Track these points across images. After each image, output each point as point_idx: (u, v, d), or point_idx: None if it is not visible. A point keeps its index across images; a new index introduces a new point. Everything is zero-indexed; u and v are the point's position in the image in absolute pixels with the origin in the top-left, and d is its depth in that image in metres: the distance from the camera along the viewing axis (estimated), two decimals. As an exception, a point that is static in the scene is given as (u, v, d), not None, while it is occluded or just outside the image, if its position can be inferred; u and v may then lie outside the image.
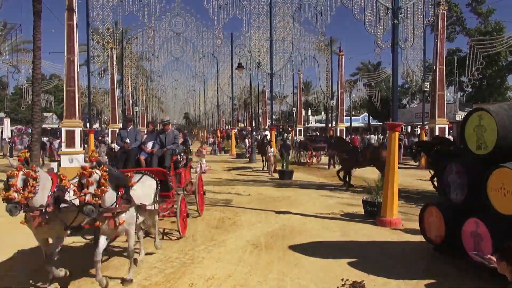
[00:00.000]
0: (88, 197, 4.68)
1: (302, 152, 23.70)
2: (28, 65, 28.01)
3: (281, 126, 26.10)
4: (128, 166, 7.80)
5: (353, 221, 9.32)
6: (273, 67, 19.32)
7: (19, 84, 36.22)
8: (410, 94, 54.21)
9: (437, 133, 20.00)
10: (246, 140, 28.39)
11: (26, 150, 6.96)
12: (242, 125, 60.02)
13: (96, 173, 4.81)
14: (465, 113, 6.97)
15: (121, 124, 29.20)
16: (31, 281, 5.75)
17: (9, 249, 7.24)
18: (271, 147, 18.74)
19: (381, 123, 50.65)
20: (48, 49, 75.30)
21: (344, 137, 23.59)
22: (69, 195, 5.11)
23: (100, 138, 23.79)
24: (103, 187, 4.80)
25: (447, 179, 6.69)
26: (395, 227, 8.62)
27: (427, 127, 21.03)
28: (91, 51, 18.41)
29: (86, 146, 18.10)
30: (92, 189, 4.73)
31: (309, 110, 63.56)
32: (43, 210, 4.84)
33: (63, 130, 16.84)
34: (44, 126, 35.99)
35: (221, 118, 49.72)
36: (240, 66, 24.32)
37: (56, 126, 44.94)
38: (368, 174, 13.19)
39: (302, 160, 23.23)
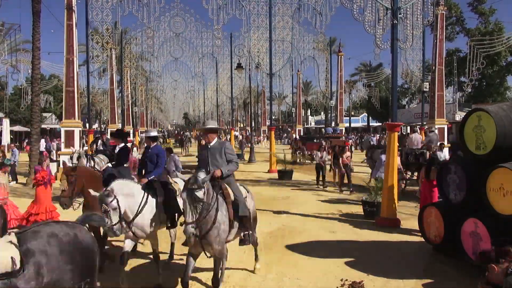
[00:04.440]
0: None
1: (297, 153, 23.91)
2: (27, 65, 27.95)
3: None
4: None
5: (352, 221, 9.32)
6: (272, 67, 19.27)
7: (18, 84, 36.18)
8: (409, 94, 54.28)
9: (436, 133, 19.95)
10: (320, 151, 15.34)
11: None
12: (242, 125, 59.95)
13: None
14: (464, 114, 6.98)
15: (120, 124, 29.21)
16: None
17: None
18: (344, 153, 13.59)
19: (381, 123, 50.68)
20: (47, 49, 75.39)
21: None
22: None
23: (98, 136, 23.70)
24: None
25: (446, 179, 6.70)
26: (394, 227, 8.61)
27: (426, 127, 21.01)
28: (90, 51, 18.39)
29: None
30: None
31: (309, 111, 63.61)
32: None
33: (62, 130, 16.83)
34: (43, 126, 35.91)
35: (220, 119, 49.68)
36: (239, 66, 24.30)
37: (55, 126, 44.88)
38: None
39: (298, 160, 23.52)
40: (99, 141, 13.81)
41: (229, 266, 6.39)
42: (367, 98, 47.90)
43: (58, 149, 22.57)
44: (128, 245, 5.43)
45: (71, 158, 11.18)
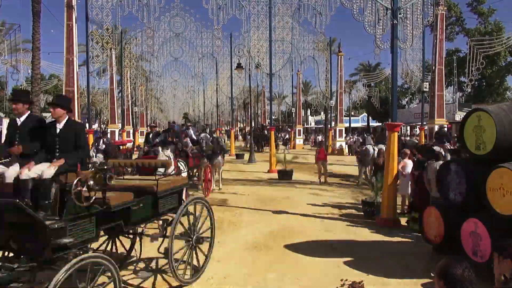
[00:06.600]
0: None
1: None
2: (27, 65, 27.96)
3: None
4: None
5: (352, 221, 9.32)
6: (272, 67, 19.27)
7: (18, 84, 36.16)
8: (409, 94, 54.31)
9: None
10: None
11: None
12: (242, 125, 59.83)
13: None
14: (464, 114, 6.98)
15: (119, 124, 29.20)
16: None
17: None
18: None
19: (381, 123, 50.68)
20: (47, 49, 75.39)
21: None
22: None
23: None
24: None
25: (446, 179, 6.70)
26: (394, 227, 8.62)
27: (426, 127, 21.02)
28: (90, 51, 18.38)
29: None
30: None
31: (308, 111, 63.66)
32: None
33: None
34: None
35: (220, 119, 49.65)
36: (239, 66, 24.30)
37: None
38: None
39: None
40: (100, 141, 13.80)
41: (229, 265, 6.41)
42: (367, 98, 47.90)
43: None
44: None
45: None
